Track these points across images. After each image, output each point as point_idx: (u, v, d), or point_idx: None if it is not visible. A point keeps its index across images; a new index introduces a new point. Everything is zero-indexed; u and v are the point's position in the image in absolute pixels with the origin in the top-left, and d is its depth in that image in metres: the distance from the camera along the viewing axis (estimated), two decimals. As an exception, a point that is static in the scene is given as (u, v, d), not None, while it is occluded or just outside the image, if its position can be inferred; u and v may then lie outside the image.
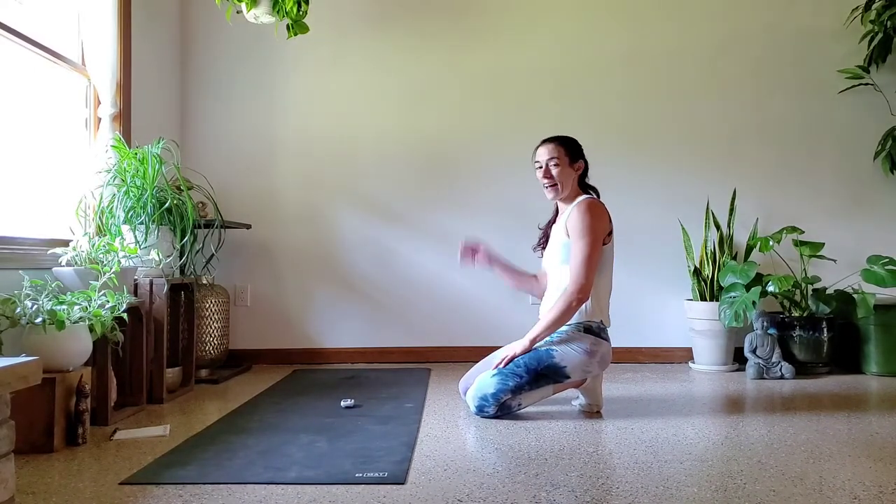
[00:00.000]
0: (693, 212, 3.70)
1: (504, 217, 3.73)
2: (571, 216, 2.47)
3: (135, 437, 2.20)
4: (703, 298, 3.52)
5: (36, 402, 2.02)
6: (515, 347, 2.42)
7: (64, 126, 2.96)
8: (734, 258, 3.53)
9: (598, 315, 2.47)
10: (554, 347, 2.41)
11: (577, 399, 2.60)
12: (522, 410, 2.48)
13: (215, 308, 3.35)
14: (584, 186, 2.62)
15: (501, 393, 2.37)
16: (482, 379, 2.43)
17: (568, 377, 2.42)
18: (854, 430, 2.23)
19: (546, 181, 2.54)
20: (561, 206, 2.62)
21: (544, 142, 2.58)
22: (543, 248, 2.69)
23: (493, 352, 2.62)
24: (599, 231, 2.42)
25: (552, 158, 2.52)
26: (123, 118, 3.13)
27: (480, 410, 2.40)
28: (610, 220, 2.51)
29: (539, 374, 2.39)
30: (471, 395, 2.44)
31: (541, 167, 2.55)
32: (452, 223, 3.75)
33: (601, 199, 2.58)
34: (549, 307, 2.45)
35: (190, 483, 1.73)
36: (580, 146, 2.59)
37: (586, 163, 2.60)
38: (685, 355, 3.68)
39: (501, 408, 2.40)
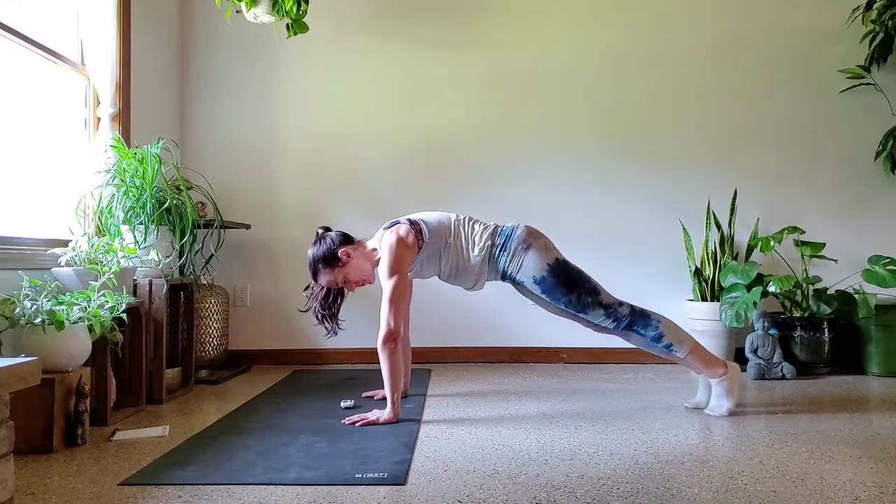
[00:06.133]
0: (694, 212, 3.70)
1: (504, 215, 3.71)
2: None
3: (134, 437, 2.19)
4: (703, 299, 3.51)
5: (35, 403, 2.01)
6: (380, 414, 2.35)
7: (63, 126, 2.95)
8: (735, 258, 3.53)
9: (475, 249, 2.48)
10: (522, 279, 2.46)
11: (691, 400, 2.61)
12: (523, 408, 2.48)
13: (215, 308, 3.35)
14: (349, 239, 2.57)
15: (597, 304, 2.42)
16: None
17: (543, 277, 2.42)
18: (855, 431, 2.22)
19: (359, 286, 2.58)
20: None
21: (316, 280, 2.57)
22: None
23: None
24: (397, 265, 2.39)
25: (335, 283, 2.54)
26: (123, 118, 3.13)
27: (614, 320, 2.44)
28: (409, 233, 2.45)
29: (567, 281, 2.42)
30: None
31: (342, 287, 2.58)
32: (452, 223, 3.74)
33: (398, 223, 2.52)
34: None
35: (189, 484, 1.72)
36: (325, 254, 2.51)
37: (334, 242, 2.53)
38: (686, 355, 3.67)
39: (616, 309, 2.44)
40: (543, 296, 2.47)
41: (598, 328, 2.50)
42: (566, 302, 2.43)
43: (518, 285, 2.54)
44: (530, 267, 2.44)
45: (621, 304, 2.44)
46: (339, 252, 2.51)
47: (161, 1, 3.60)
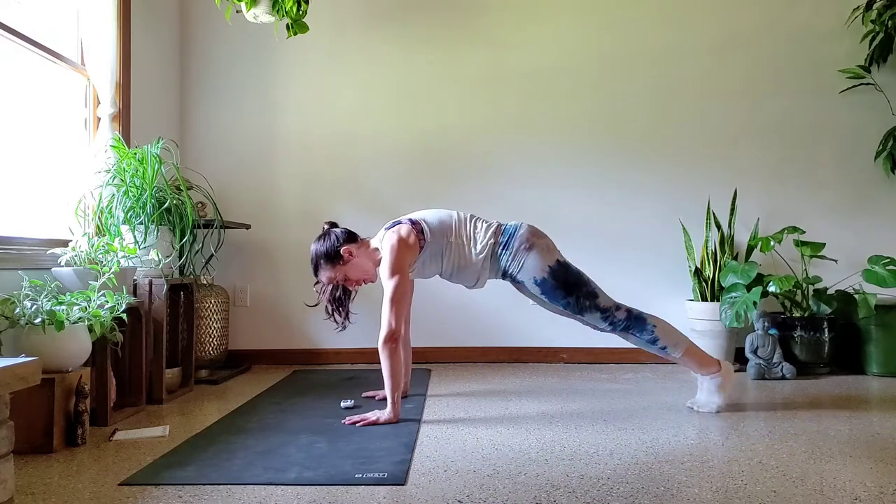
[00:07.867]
0: (694, 212, 3.70)
1: (504, 215, 3.71)
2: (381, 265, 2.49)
3: (134, 437, 2.19)
4: (703, 299, 3.51)
5: (35, 403, 2.01)
6: (380, 415, 2.35)
7: (63, 126, 2.95)
8: (735, 258, 3.53)
9: (477, 247, 2.48)
10: (523, 279, 2.47)
11: (691, 400, 2.61)
12: (523, 408, 2.48)
13: (215, 308, 3.35)
14: (353, 236, 2.57)
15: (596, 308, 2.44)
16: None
17: (543, 279, 2.43)
18: (855, 431, 2.22)
19: (359, 284, 2.59)
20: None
21: (316, 275, 2.57)
22: None
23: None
24: (398, 265, 2.39)
25: (334, 280, 2.54)
26: (123, 118, 3.13)
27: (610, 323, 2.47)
28: (410, 234, 2.44)
29: (567, 283, 2.43)
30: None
31: (343, 285, 2.58)
32: (452, 223, 3.74)
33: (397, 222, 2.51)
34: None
35: (189, 484, 1.72)
36: (327, 251, 2.51)
37: (338, 239, 2.53)
38: (686, 355, 3.67)
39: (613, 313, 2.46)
40: (543, 297, 2.48)
41: (595, 328, 2.51)
42: (565, 304, 2.46)
43: (518, 284, 2.55)
44: (532, 268, 2.45)
45: (619, 307, 2.46)
46: (342, 250, 2.51)
47: (161, 1, 3.60)
